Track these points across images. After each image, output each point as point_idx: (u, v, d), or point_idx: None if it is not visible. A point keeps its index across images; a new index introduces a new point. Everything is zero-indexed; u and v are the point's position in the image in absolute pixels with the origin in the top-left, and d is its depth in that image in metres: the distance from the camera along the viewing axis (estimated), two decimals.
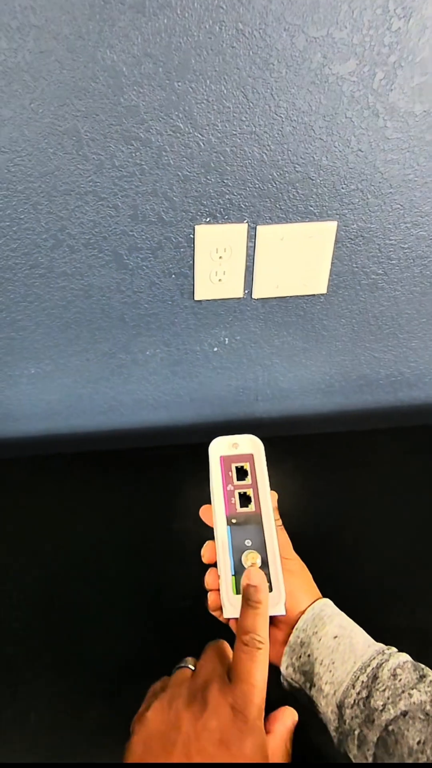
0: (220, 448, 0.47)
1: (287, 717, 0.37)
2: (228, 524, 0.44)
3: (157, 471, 0.70)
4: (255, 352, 0.72)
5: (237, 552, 0.43)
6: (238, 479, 0.46)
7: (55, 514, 0.65)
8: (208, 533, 0.46)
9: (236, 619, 0.41)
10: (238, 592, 0.41)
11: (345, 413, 0.81)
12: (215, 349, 0.70)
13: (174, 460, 0.71)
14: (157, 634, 0.53)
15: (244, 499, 0.45)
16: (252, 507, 0.45)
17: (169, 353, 0.70)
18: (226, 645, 0.39)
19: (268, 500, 0.45)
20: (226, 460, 0.47)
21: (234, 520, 0.44)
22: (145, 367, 0.70)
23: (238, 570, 0.42)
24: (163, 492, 0.67)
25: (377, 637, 0.44)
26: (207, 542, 0.45)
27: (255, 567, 0.42)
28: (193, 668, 0.39)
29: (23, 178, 0.53)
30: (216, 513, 0.45)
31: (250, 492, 0.45)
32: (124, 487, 0.68)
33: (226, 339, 0.70)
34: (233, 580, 0.42)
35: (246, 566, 0.42)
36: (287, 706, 0.38)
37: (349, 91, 0.53)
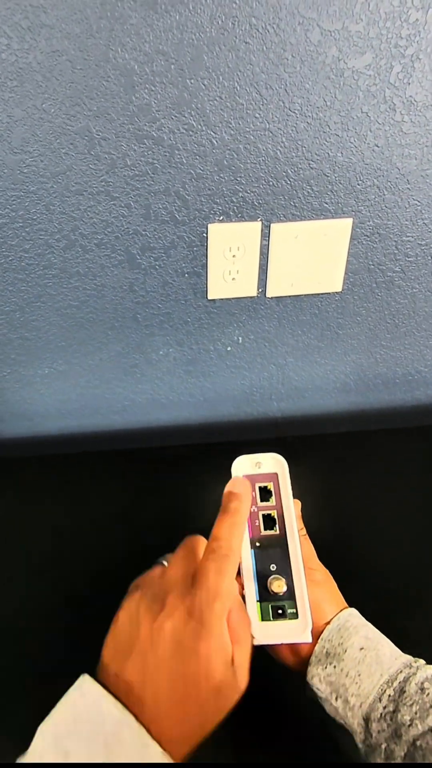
0: (242, 467, 0.46)
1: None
2: (252, 547, 0.43)
3: (170, 470, 0.69)
4: (269, 351, 0.71)
5: (262, 577, 0.41)
6: (261, 500, 0.44)
7: (68, 513, 0.65)
8: None
9: (264, 646, 0.41)
10: (263, 619, 0.40)
11: (361, 412, 0.80)
12: (229, 348, 0.70)
13: (187, 459, 0.70)
14: None
15: (269, 521, 0.44)
16: (276, 529, 0.43)
17: (183, 353, 0.69)
18: (199, 542, 0.39)
19: (293, 522, 0.43)
20: (249, 480, 0.45)
21: (258, 544, 0.43)
22: (158, 366, 0.70)
23: (263, 596, 0.41)
24: (177, 492, 0.67)
25: (402, 646, 0.43)
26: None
27: (241, 478, 0.43)
28: (166, 565, 0.39)
29: (35, 179, 0.53)
30: None
31: (274, 513, 0.44)
32: (137, 487, 0.68)
33: (240, 338, 0.69)
34: (258, 607, 0.41)
35: (271, 592, 0.41)
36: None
37: (365, 86, 0.52)
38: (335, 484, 0.68)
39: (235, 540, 0.37)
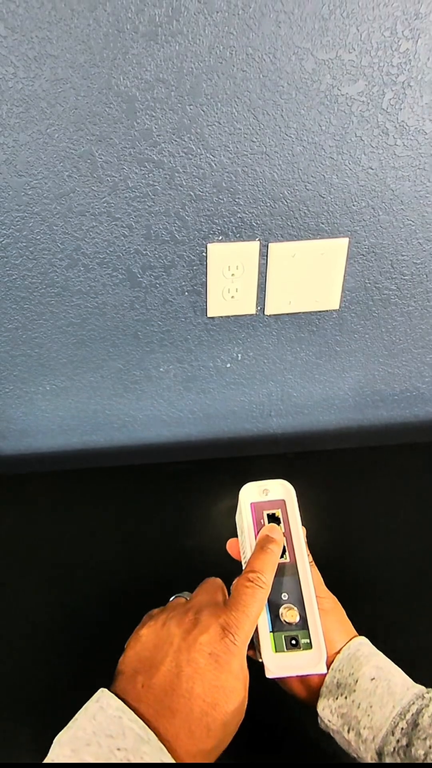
0: (250, 494, 0.46)
1: None
2: None
3: (170, 486, 0.70)
4: (268, 368, 0.72)
5: (274, 607, 0.41)
6: None
7: (69, 529, 0.65)
8: (219, 548, 0.46)
9: (278, 679, 0.41)
10: (277, 650, 0.40)
11: (360, 429, 0.81)
12: (228, 365, 0.71)
13: (188, 475, 0.71)
14: None
15: None
16: (286, 557, 0.43)
17: (183, 369, 0.70)
18: (221, 583, 0.41)
19: (303, 549, 0.43)
20: (257, 507, 0.45)
21: None
22: (158, 383, 0.71)
23: (276, 626, 0.40)
24: (177, 507, 0.67)
25: (414, 673, 0.42)
26: (230, 540, 0.47)
27: (278, 527, 0.43)
28: (188, 599, 0.40)
29: (39, 200, 0.55)
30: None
31: (283, 541, 0.44)
32: (138, 503, 0.68)
33: (239, 355, 0.70)
34: (271, 638, 0.40)
35: (284, 622, 0.40)
36: None
37: (358, 111, 0.54)
38: (335, 500, 0.68)
39: (269, 575, 0.40)
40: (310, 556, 0.47)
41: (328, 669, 0.42)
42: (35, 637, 0.55)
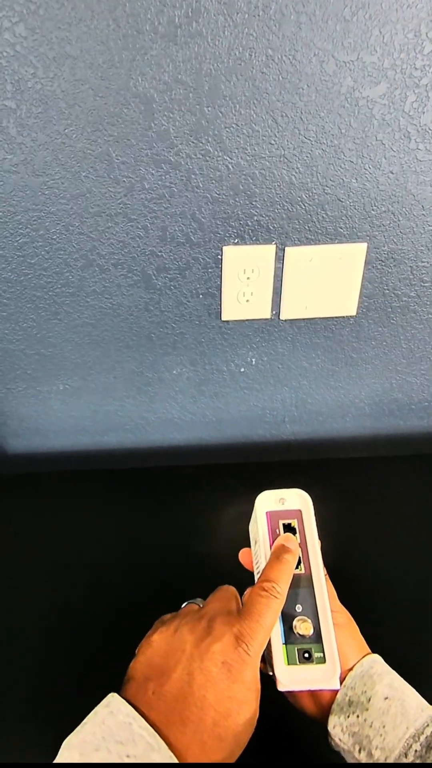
0: (266, 503, 0.45)
1: None
2: None
3: (182, 490, 0.69)
4: (282, 374, 0.71)
5: (287, 619, 0.40)
6: None
7: (78, 530, 0.65)
8: (227, 554, 0.45)
9: (290, 692, 0.41)
10: (290, 663, 0.39)
11: (375, 438, 0.79)
12: (242, 369, 0.70)
13: (199, 479, 0.70)
14: None
15: None
16: (301, 568, 0.42)
17: (196, 373, 0.70)
18: (235, 591, 0.40)
19: (318, 560, 0.42)
20: (272, 516, 0.44)
21: None
22: (171, 386, 0.71)
23: (289, 639, 0.39)
24: (186, 512, 0.67)
25: (429, 693, 0.41)
26: (243, 549, 0.46)
27: (293, 537, 0.42)
28: (201, 606, 0.39)
29: (56, 200, 0.55)
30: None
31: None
32: (147, 506, 0.68)
33: (254, 359, 0.69)
34: (284, 650, 0.39)
35: (297, 634, 0.39)
36: None
37: (379, 114, 0.53)
38: (347, 510, 0.67)
39: (284, 585, 0.39)
40: (325, 569, 0.46)
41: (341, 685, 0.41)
42: (40, 636, 0.55)
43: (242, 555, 0.46)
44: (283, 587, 0.38)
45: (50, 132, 0.51)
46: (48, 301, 0.62)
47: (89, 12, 0.46)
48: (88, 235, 0.58)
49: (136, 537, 0.64)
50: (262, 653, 0.36)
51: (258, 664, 0.36)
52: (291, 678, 0.38)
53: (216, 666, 0.34)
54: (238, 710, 0.34)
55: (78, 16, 0.46)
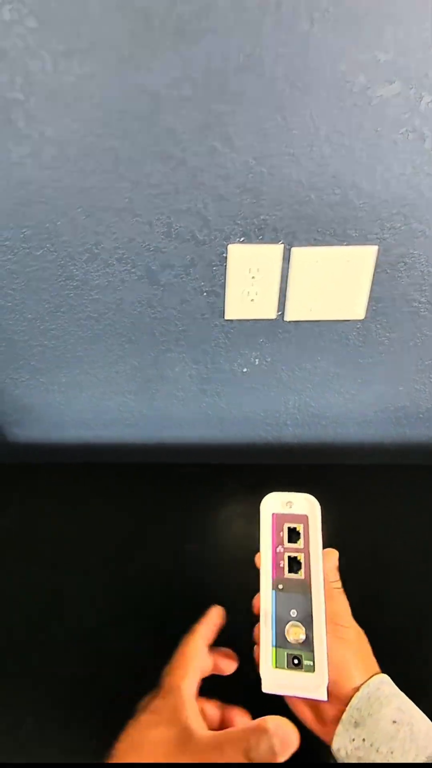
0: (273, 504, 0.44)
1: None
2: (273, 588, 0.41)
3: (179, 489, 0.69)
4: (286, 376, 0.70)
5: (280, 622, 0.40)
6: (289, 541, 0.43)
7: (74, 522, 0.66)
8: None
9: (275, 694, 0.39)
10: (277, 666, 0.38)
11: (380, 445, 0.78)
12: (245, 369, 0.69)
13: (197, 478, 0.70)
14: (160, 652, 0.52)
15: (294, 564, 0.42)
16: (301, 573, 0.41)
17: (198, 371, 0.69)
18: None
19: (319, 568, 0.41)
20: (278, 519, 0.44)
21: (280, 586, 0.41)
22: (173, 383, 0.71)
23: (280, 642, 0.39)
24: (182, 510, 0.66)
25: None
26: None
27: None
28: None
29: (63, 194, 0.55)
30: (262, 574, 0.42)
31: (300, 557, 0.42)
32: (144, 502, 0.68)
33: (257, 360, 0.69)
34: (273, 653, 0.39)
35: (289, 639, 0.39)
36: None
37: (393, 114, 0.52)
38: (348, 517, 0.66)
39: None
40: (339, 582, 0.45)
41: (344, 706, 0.39)
42: (36, 628, 0.56)
43: (257, 558, 0.45)
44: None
45: (57, 126, 0.51)
46: (52, 293, 0.62)
47: (99, 6, 0.46)
48: (93, 230, 0.58)
49: (132, 531, 0.64)
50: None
51: None
52: (276, 681, 0.38)
53: None
54: None
55: (88, 10, 0.46)
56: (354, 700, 0.39)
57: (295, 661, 0.38)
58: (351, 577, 0.58)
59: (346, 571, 0.57)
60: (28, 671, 0.52)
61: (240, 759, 0.33)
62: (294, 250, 0.59)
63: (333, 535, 0.63)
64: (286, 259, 0.60)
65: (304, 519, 0.43)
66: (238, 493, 0.69)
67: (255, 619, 0.42)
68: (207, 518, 0.66)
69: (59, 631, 0.55)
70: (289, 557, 0.42)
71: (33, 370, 0.69)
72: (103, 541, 0.64)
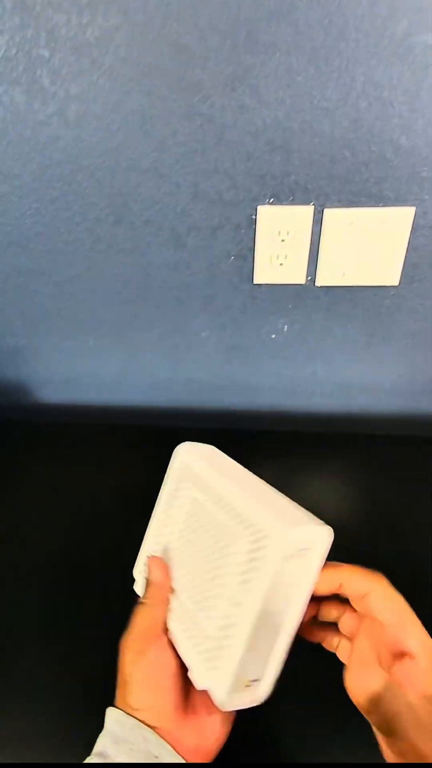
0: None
1: None
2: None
3: None
4: (315, 343, 0.68)
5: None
6: None
7: (98, 482, 0.67)
8: None
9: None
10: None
11: (411, 416, 0.75)
12: (273, 336, 0.68)
13: (221, 444, 0.70)
14: None
15: None
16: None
17: (224, 337, 0.69)
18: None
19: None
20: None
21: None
22: (199, 349, 0.70)
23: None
24: None
25: None
26: None
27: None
28: None
29: (88, 154, 0.55)
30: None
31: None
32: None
33: (285, 327, 0.67)
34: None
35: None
36: None
37: None
38: (375, 488, 0.65)
39: None
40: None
41: None
42: (54, 580, 0.58)
43: None
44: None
45: (83, 82, 0.50)
46: (79, 256, 0.62)
47: None
48: (119, 191, 0.57)
49: (153, 494, 0.65)
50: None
51: None
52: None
53: None
54: None
55: None
56: None
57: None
58: (379, 550, 0.57)
59: (374, 543, 0.57)
60: (53, 627, 0.54)
61: None
62: (326, 211, 0.57)
63: (360, 505, 0.62)
64: (318, 221, 0.58)
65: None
66: (262, 460, 0.69)
67: None
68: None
69: (86, 583, 0.57)
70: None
71: (61, 333, 0.70)
72: (129, 501, 0.65)
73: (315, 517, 0.35)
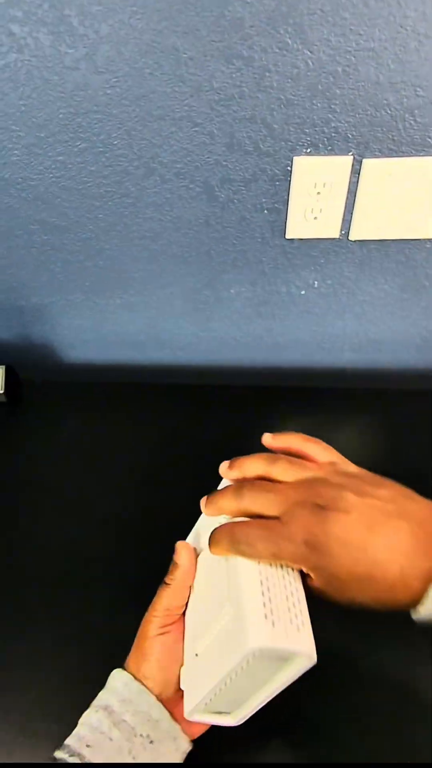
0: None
1: None
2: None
3: (230, 410, 0.69)
4: (346, 299, 0.67)
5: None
6: None
7: (124, 439, 0.67)
8: None
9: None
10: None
11: None
12: (303, 291, 0.67)
13: (249, 401, 0.70)
14: None
15: None
16: None
17: (255, 293, 0.67)
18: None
19: None
20: None
21: None
22: (228, 305, 0.69)
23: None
24: (233, 432, 0.67)
25: None
26: None
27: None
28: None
29: (118, 101, 0.51)
30: None
31: None
32: (195, 422, 0.69)
33: (316, 282, 0.66)
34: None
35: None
36: None
37: None
38: (404, 444, 0.65)
39: None
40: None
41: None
42: (88, 537, 0.59)
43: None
44: None
45: (114, 22, 0.47)
46: (107, 211, 0.60)
47: None
48: (150, 141, 0.54)
49: (181, 451, 0.66)
50: None
51: None
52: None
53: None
54: None
55: None
56: None
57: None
58: None
59: None
60: (78, 578, 0.56)
61: None
62: (365, 161, 0.54)
63: (389, 459, 0.64)
64: (356, 172, 0.55)
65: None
66: (291, 415, 0.69)
67: None
68: (256, 440, 0.67)
69: (111, 536, 0.58)
70: None
71: (88, 290, 0.69)
72: (151, 456, 0.66)
73: (307, 636, 0.33)
